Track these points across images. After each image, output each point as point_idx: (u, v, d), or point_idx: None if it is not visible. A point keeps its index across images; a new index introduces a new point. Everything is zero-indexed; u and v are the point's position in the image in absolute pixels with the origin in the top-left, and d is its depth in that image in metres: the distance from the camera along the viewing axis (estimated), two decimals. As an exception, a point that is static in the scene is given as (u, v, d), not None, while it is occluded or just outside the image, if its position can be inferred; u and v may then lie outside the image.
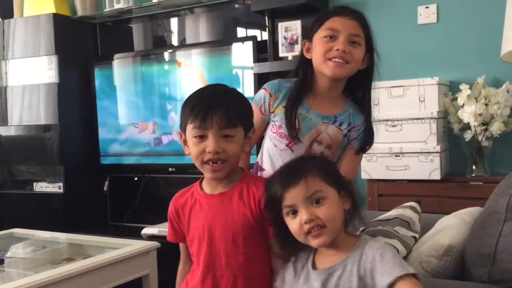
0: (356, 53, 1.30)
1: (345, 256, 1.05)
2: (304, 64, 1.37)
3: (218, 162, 1.16)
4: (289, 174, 1.08)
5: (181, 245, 1.32)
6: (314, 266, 1.10)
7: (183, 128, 1.21)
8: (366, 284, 1.01)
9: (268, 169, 1.40)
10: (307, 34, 1.36)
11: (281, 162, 1.34)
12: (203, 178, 1.27)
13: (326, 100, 1.36)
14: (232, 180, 1.22)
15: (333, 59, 1.28)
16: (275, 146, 1.38)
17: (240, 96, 1.26)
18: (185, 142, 1.22)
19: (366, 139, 1.37)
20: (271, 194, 1.10)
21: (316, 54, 1.31)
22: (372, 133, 1.38)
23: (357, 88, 1.39)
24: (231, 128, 1.16)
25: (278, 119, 1.36)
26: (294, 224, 1.06)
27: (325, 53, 1.29)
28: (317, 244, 1.05)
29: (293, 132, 1.32)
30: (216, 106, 1.15)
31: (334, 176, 1.10)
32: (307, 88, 1.35)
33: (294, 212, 1.06)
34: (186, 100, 1.22)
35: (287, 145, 1.36)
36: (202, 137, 1.16)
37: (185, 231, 1.26)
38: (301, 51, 1.38)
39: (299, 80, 1.37)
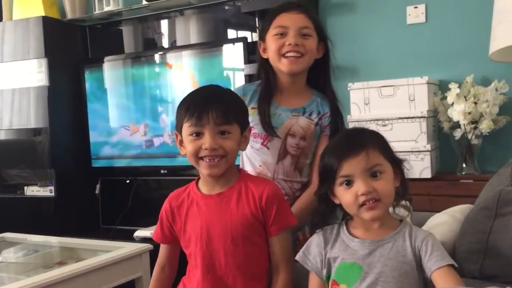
0: (308, 44, 1.36)
1: (393, 232, 1.06)
2: (264, 65, 1.42)
3: (216, 159, 1.16)
4: (349, 144, 1.07)
5: (163, 247, 1.31)
6: (353, 236, 1.10)
7: (178, 128, 1.22)
8: (417, 260, 1.03)
9: (249, 170, 1.43)
10: (260, 35, 1.43)
11: (260, 161, 1.39)
12: (199, 178, 1.27)
13: (292, 94, 1.41)
14: (230, 180, 1.22)
15: (287, 55, 1.33)
16: (252, 147, 1.40)
17: (235, 95, 1.28)
18: (181, 142, 1.22)
19: (334, 123, 1.40)
20: (325, 164, 1.09)
21: (271, 53, 1.37)
22: (340, 115, 1.43)
23: (317, 77, 1.44)
24: (227, 125, 1.17)
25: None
26: (348, 195, 1.05)
27: (279, 50, 1.35)
28: (371, 217, 1.04)
29: (270, 131, 1.36)
30: (211, 103, 1.16)
31: (391, 152, 1.10)
32: (272, 88, 1.40)
33: (349, 183, 1.05)
34: (181, 101, 1.23)
35: (262, 144, 1.39)
36: (198, 135, 1.16)
37: (179, 232, 1.25)
38: (259, 53, 1.43)
39: (264, 83, 1.41)
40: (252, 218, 1.18)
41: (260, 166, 1.39)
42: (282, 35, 1.35)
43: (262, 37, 1.42)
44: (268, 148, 1.38)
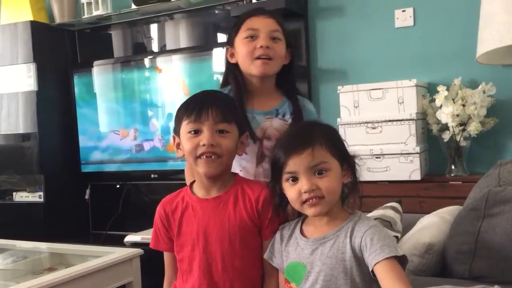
0: (278, 48, 1.35)
1: (338, 227, 1.06)
2: (232, 70, 1.41)
3: (213, 157, 1.16)
4: (296, 140, 1.07)
5: (167, 257, 1.28)
6: (303, 235, 1.11)
7: (177, 130, 1.21)
8: (357, 256, 1.02)
9: None
10: (228, 40, 1.42)
11: (239, 166, 1.37)
12: (192, 183, 1.26)
13: (263, 96, 1.40)
14: (226, 184, 1.22)
15: (259, 57, 1.33)
16: None
17: (234, 99, 1.29)
18: (178, 146, 1.22)
19: (298, 117, 1.40)
20: (274, 157, 1.09)
21: (242, 56, 1.36)
22: (300, 110, 1.42)
23: (283, 81, 1.45)
24: (226, 123, 1.17)
25: None
26: (292, 191, 1.06)
27: (250, 53, 1.34)
28: (313, 213, 1.05)
29: (252, 137, 1.34)
30: (211, 101, 1.18)
31: (340, 147, 1.09)
32: (243, 92, 1.39)
33: (295, 179, 1.06)
34: (180, 106, 1.23)
35: None
36: (196, 132, 1.16)
37: (173, 236, 1.23)
38: (226, 59, 1.43)
39: (234, 89, 1.40)
40: (249, 222, 1.18)
41: (240, 171, 1.38)
42: (253, 37, 1.34)
43: (230, 42, 1.41)
44: (246, 153, 1.37)
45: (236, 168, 1.37)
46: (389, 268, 0.96)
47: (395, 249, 0.98)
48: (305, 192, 1.03)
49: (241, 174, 1.36)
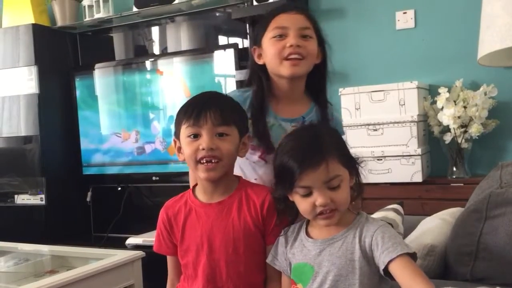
0: (310, 46, 1.25)
1: (345, 229, 1.06)
2: (257, 72, 1.31)
3: (213, 161, 1.14)
4: (308, 153, 1.03)
5: (170, 259, 1.28)
6: (309, 236, 1.10)
7: (177, 134, 1.20)
8: (367, 256, 1.02)
9: None
10: (255, 40, 1.31)
11: (255, 174, 1.31)
12: (195, 186, 1.25)
13: (291, 101, 1.31)
14: (229, 189, 1.21)
15: (289, 57, 1.23)
16: (247, 159, 1.31)
17: (234, 100, 1.25)
18: (179, 149, 1.21)
19: None
20: (284, 166, 1.05)
21: (270, 57, 1.26)
22: (327, 119, 1.33)
23: (314, 83, 1.34)
24: (225, 126, 1.15)
25: None
26: (305, 204, 1.04)
27: (279, 53, 1.23)
28: (327, 224, 1.05)
29: (268, 145, 1.26)
30: (210, 104, 1.16)
31: (347, 154, 1.08)
32: (265, 96, 1.29)
33: (308, 193, 1.04)
34: (180, 108, 1.21)
35: (260, 157, 1.30)
36: (196, 136, 1.15)
37: (176, 241, 1.22)
38: (252, 59, 1.33)
39: (255, 91, 1.31)
40: (254, 227, 1.17)
41: (255, 179, 1.31)
42: (281, 36, 1.23)
43: (257, 42, 1.30)
44: (266, 162, 1.28)
45: (251, 175, 1.32)
46: (405, 265, 0.97)
47: (406, 246, 0.99)
48: (320, 206, 1.02)
49: (255, 182, 1.31)
